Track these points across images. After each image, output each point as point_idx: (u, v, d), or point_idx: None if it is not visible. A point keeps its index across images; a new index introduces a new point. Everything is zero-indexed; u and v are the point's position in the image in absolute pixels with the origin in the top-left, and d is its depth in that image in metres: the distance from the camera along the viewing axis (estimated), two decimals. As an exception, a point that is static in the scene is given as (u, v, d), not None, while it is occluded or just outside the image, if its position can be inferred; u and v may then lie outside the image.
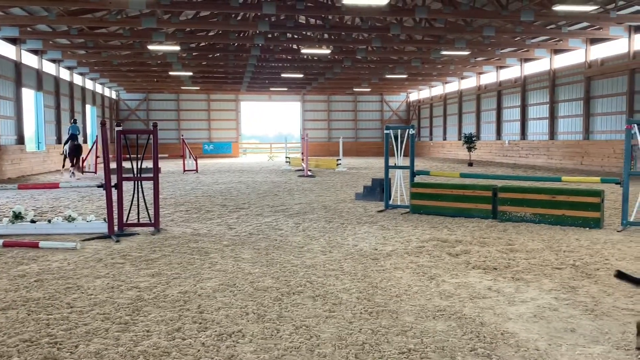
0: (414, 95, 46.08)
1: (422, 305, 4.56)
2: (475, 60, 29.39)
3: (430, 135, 43.07)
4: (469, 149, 28.70)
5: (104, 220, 8.08)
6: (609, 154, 21.52)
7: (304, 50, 24.93)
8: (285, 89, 42.33)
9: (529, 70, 28.98)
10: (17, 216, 8.22)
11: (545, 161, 26.20)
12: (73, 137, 20.45)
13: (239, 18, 22.83)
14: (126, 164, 8.85)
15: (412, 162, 10.47)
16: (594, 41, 23.37)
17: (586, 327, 4.02)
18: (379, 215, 9.90)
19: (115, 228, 8.04)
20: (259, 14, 19.46)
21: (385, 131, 10.91)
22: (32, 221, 8.29)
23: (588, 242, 7.26)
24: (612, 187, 13.61)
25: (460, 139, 35.03)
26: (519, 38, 23.95)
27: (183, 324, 4.11)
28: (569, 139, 25.15)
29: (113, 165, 9.32)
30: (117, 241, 7.46)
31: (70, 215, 8.30)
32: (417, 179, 10.79)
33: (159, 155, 9.05)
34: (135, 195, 8.40)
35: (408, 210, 10.26)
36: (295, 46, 26.46)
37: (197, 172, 23.28)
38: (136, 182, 8.47)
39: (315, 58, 29.64)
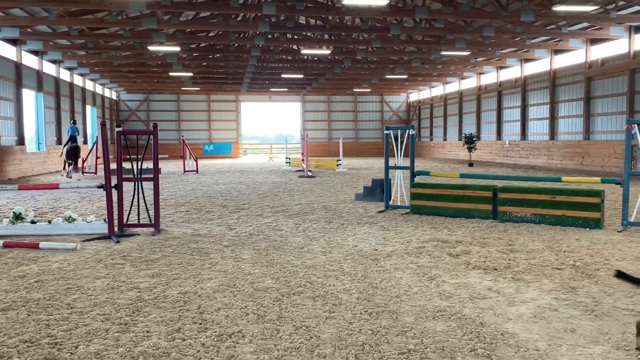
0: (414, 96, 46.08)
1: (422, 305, 4.56)
2: (476, 60, 29.40)
3: (430, 136, 43.07)
4: (470, 149, 28.70)
5: (104, 220, 8.08)
6: (609, 154, 21.51)
7: (304, 51, 24.94)
8: (286, 90, 42.34)
9: (529, 70, 28.98)
10: (18, 217, 8.23)
11: (546, 161, 26.19)
12: (72, 138, 20.53)
13: (239, 19, 22.85)
14: (126, 165, 8.85)
15: (412, 162, 10.47)
16: (594, 41, 23.37)
17: (586, 328, 4.02)
18: (379, 216, 9.89)
19: (116, 229, 8.04)
20: (259, 14, 19.47)
21: (386, 131, 10.91)
22: (33, 222, 8.29)
23: (588, 242, 7.26)
24: (613, 187, 13.61)
25: (460, 140, 35.03)
26: (519, 38, 23.95)
27: (183, 324, 4.11)
28: (570, 139, 25.15)
29: (113, 166, 9.33)
30: (118, 242, 7.47)
31: (70, 216, 8.30)
32: (418, 179, 10.78)
33: (159, 156, 9.06)
34: (136, 196, 8.41)
35: (408, 210, 10.26)
36: (295, 47, 26.46)
37: (197, 172, 23.28)
38: (136, 182, 8.47)
39: (315, 58, 29.65)
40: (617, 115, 22.02)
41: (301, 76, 33.75)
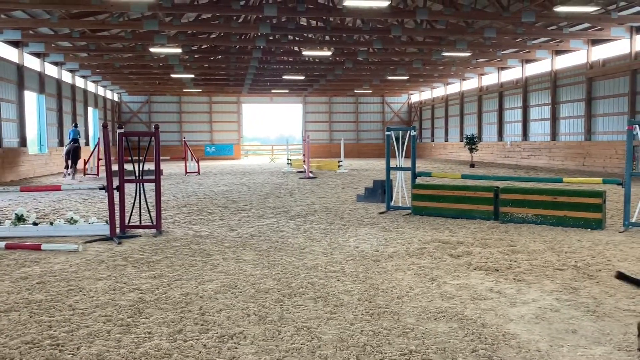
0: (416, 97, 46.08)
1: (423, 306, 4.56)
2: (477, 61, 29.39)
3: (431, 137, 43.05)
4: (471, 150, 28.69)
5: (106, 222, 8.10)
6: (610, 154, 21.49)
7: (305, 52, 24.95)
8: (287, 91, 42.36)
9: (530, 71, 28.96)
10: (20, 218, 8.24)
11: (547, 162, 26.17)
12: (74, 141, 20.69)
13: (240, 20, 22.88)
14: (128, 166, 8.87)
15: (413, 163, 10.47)
16: (595, 42, 23.36)
17: (588, 328, 4.02)
18: (380, 217, 9.89)
19: (117, 230, 8.05)
20: (260, 16, 19.50)
21: (387, 132, 10.91)
22: (35, 223, 8.31)
23: (590, 243, 7.26)
24: (614, 188, 13.59)
25: (462, 140, 35.01)
26: (520, 39, 23.94)
27: (184, 325, 4.12)
28: (571, 140, 25.12)
29: (115, 167, 9.34)
30: (119, 243, 7.48)
31: (72, 218, 8.31)
32: (419, 180, 10.79)
33: (161, 158, 9.06)
34: (137, 198, 8.42)
35: (409, 211, 10.26)
36: (296, 48, 26.48)
37: (199, 174, 23.30)
38: (138, 184, 8.48)
39: (316, 60, 29.66)
40: (618, 116, 22.00)
41: (302, 77, 33.77)
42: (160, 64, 28.27)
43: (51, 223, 8.41)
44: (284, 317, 4.31)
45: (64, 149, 21.04)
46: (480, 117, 34.49)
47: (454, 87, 38.61)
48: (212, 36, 24.64)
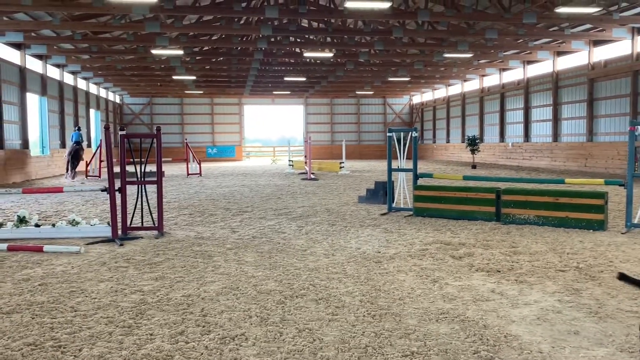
0: (417, 98, 46.08)
1: (425, 308, 4.56)
2: (478, 62, 29.39)
3: (433, 138, 43.04)
4: (473, 151, 28.67)
5: (108, 224, 8.11)
6: (612, 155, 21.46)
7: (307, 54, 24.97)
8: (288, 93, 42.40)
9: (532, 72, 28.95)
10: (22, 220, 8.26)
11: (549, 163, 26.14)
12: (76, 143, 20.92)
13: (242, 22, 22.92)
14: (130, 168, 8.88)
15: (415, 164, 10.46)
16: (597, 43, 23.33)
17: (590, 330, 4.01)
18: (382, 218, 9.89)
19: (119, 232, 8.06)
20: (261, 17, 19.53)
21: (388, 134, 10.91)
22: (37, 225, 8.32)
23: (592, 244, 7.24)
24: (616, 189, 13.56)
25: (463, 142, 35.01)
26: (521, 40, 23.93)
27: (186, 327, 4.12)
28: (573, 141, 25.09)
29: (117, 169, 9.36)
30: (121, 245, 7.49)
31: (74, 219, 8.33)
32: (420, 181, 10.78)
33: (163, 159, 9.07)
34: (139, 199, 8.43)
35: (411, 213, 10.25)
36: (298, 50, 26.51)
37: (200, 175, 23.33)
38: (140, 185, 8.49)
39: (318, 61, 29.69)
40: (620, 117, 21.97)
41: (304, 79, 33.80)
42: (162, 66, 28.33)
43: (53, 225, 8.42)
44: (286, 318, 4.31)
45: (66, 151, 21.17)
46: (482, 118, 34.48)
47: (456, 89, 38.60)
48: (214, 38, 24.69)
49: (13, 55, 22.22)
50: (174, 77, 31.46)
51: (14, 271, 6.00)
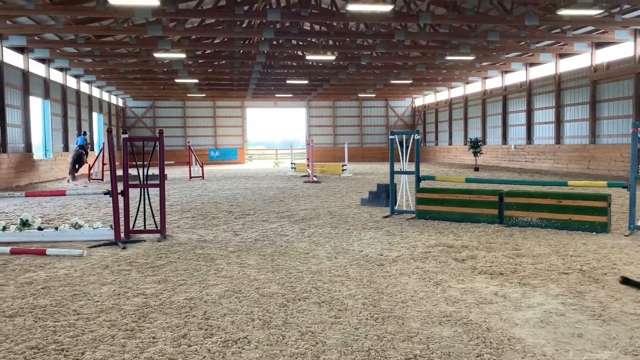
0: (419, 101, 46.07)
1: (428, 311, 4.55)
2: (480, 65, 29.36)
3: (435, 140, 43.01)
4: (475, 153, 28.64)
5: (111, 227, 8.12)
6: (615, 157, 21.41)
7: (309, 57, 25.00)
8: (291, 95, 42.44)
9: (534, 74, 28.92)
10: (25, 224, 8.28)
11: (552, 165, 26.09)
12: (80, 147, 21.12)
13: (244, 25, 22.92)
14: (132, 171, 8.89)
15: (417, 167, 10.46)
16: (599, 45, 23.31)
17: (593, 333, 4.00)
18: (384, 221, 9.88)
19: (122, 235, 8.07)
20: (264, 21, 19.56)
21: (391, 136, 10.91)
22: (40, 228, 8.34)
23: (595, 246, 7.22)
24: (619, 191, 13.53)
25: (466, 144, 34.97)
26: (523, 42, 23.90)
27: (189, 330, 4.12)
28: (575, 143, 25.05)
29: (119, 172, 9.37)
30: (124, 248, 7.49)
31: (77, 223, 8.34)
32: (423, 184, 10.77)
33: (165, 162, 9.09)
34: (142, 202, 8.44)
35: (414, 215, 10.24)
36: (300, 53, 26.54)
37: (203, 178, 23.35)
38: (142, 189, 8.50)
39: (320, 64, 29.71)
40: (623, 119, 21.93)
41: (306, 82, 33.83)
42: (165, 69, 28.40)
43: (56, 228, 8.44)
44: (288, 321, 4.31)
45: (70, 155, 21.31)
46: (484, 121, 34.44)
47: (458, 91, 38.58)
48: (216, 41, 24.71)
49: (16, 59, 22.31)
50: (177, 80, 31.53)
51: (17, 274, 6.01)
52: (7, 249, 7.19)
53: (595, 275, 5.67)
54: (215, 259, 6.74)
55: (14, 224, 8.54)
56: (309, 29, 24.86)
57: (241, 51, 25.60)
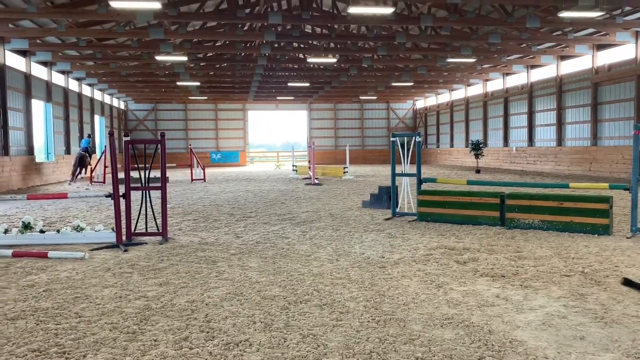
0: (421, 103, 46.08)
1: (429, 313, 4.54)
2: (482, 67, 29.36)
3: (437, 143, 43.01)
4: (476, 155, 28.62)
5: (112, 229, 8.13)
6: (617, 159, 21.38)
7: (310, 59, 25.03)
8: (292, 98, 42.49)
9: (535, 76, 28.92)
10: (27, 226, 8.29)
11: (553, 167, 26.06)
12: (84, 149, 21.25)
13: (245, 28, 22.97)
14: (134, 174, 8.90)
15: (418, 169, 10.46)
16: (600, 47, 23.30)
17: (596, 335, 3.99)
18: (386, 223, 9.88)
19: (124, 237, 8.08)
20: (265, 23, 19.58)
21: (392, 139, 10.91)
22: (41, 231, 8.35)
23: (597, 248, 7.21)
24: (621, 193, 13.51)
25: (467, 146, 34.97)
26: (525, 45, 23.93)
27: (190, 333, 4.12)
28: (577, 145, 25.03)
29: (121, 175, 9.37)
30: (125, 251, 7.50)
31: (78, 225, 8.35)
32: (424, 186, 10.76)
33: (167, 165, 9.11)
34: (143, 205, 8.45)
35: (415, 217, 10.23)
36: (301, 55, 26.58)
37: (204, 181, 23.36)
38: (144, 191, 8.52)
39: (321, 67, 29.75)
40: (624, 121, 21.90)
41: (307, 84, 33.87)
42: (166, 72, 28.45)
43: (58, 231, 8.45)
44: (290, 324, 4.30)
45: (73, 157, 21.45)
46: (486, 123, 34.43)
47: (459, 93, 38.59)
48: (218, 44, 24.78)
49: (18, 62, 22.37)
50: (178, 83, 31.59)
51: (18, 277, 6.02)
52: (9, 251, 7.20)
53: (597, 277, 5.66)
54: (217, 261, 6.74)
55: (16, 227, 8.55)
56: (310, 31, 24.89)
57: (243, 54, 25.64)
